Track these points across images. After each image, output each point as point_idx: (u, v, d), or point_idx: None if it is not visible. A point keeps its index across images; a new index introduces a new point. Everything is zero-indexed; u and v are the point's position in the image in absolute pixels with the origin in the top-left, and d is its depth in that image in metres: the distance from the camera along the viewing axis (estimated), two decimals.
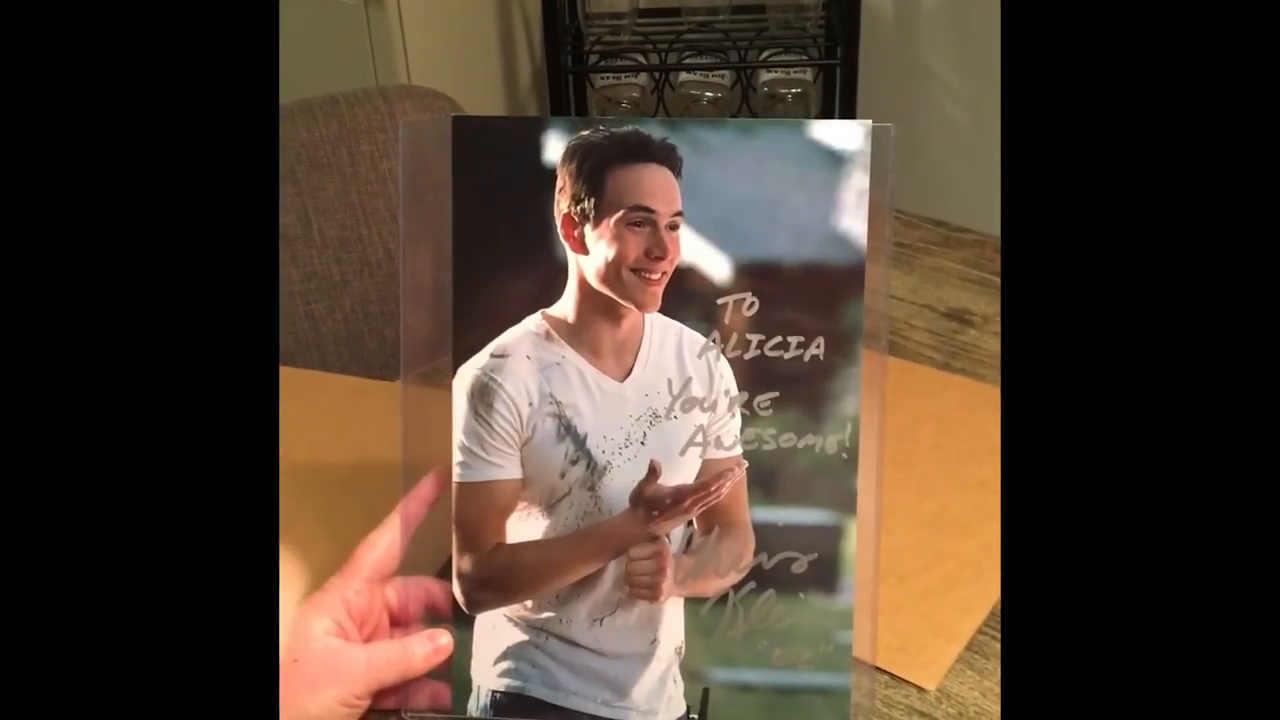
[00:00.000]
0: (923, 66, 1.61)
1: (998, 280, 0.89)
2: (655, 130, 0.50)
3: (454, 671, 0.51)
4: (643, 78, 1.57)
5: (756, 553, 0.51)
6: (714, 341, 0.50)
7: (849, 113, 1.46)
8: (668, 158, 0.49)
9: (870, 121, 0.50)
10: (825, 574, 0.51)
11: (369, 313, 1.00)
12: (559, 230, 0.50)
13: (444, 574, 0.52)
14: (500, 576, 0.50)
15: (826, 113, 1.54)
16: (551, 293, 0.50)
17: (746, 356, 0.50)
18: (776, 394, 0.50)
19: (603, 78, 1.57)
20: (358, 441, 0.73)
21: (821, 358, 0.50)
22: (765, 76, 1.52)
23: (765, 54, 1.48)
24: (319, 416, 0.76)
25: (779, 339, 0.50)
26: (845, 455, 0.50)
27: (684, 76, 1.55)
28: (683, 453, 0.50)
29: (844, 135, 0.50)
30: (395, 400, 0.52)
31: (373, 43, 1.52)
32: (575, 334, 0.50)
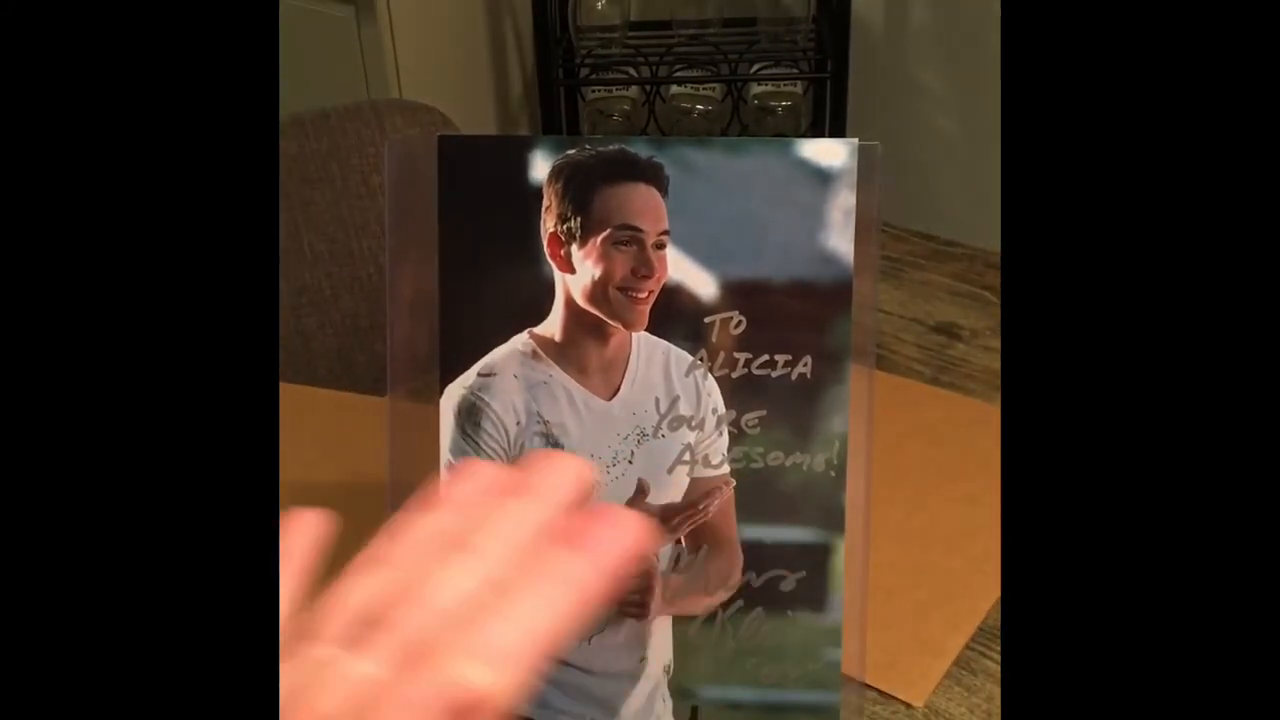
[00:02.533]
0: (912, 80, 1.62)
1: (987, 294, 0.90)
2: (642, 149, 0.50)
3: None
4: (634, 90, 1.57)
5: (745, 571, 0.51)
6: (701, 360, 0.50)
7: (839, 125, 1.46)
8: (654, 177, 0.50)
9: (857, 140, 0.50)
10: (814, 592, 0.51)
11: (359, 327, 1.00)
12: (545, 249, 0.50)
13: None
14: None
15: (816, 125, 1.55)
16: (538, 312, 0.51)
17: (734, 375, 0.50)
18: (764, 412, 0.50)
19: (594, 90, 1.57)
20: (349, 458, 0.73)
21: (809, 375, 0.50)
22: (756, 89, 1.53)
23: (756, 67, 1.48)
24: (310, 433, 0.76)
25: (766, 357, 0.50)
26: (833, 473, 0.51)
27: (675, 89, 1.56)
28: (670, 471, 0.50)
29: (831, 153, 0.50)
30: (385, 416, 0.52)
31: (364, 55, 1.52)
32: (562, 353, 0.50)
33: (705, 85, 1.54)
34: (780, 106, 1.52)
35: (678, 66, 1.48)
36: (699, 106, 1.56)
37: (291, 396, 0.81)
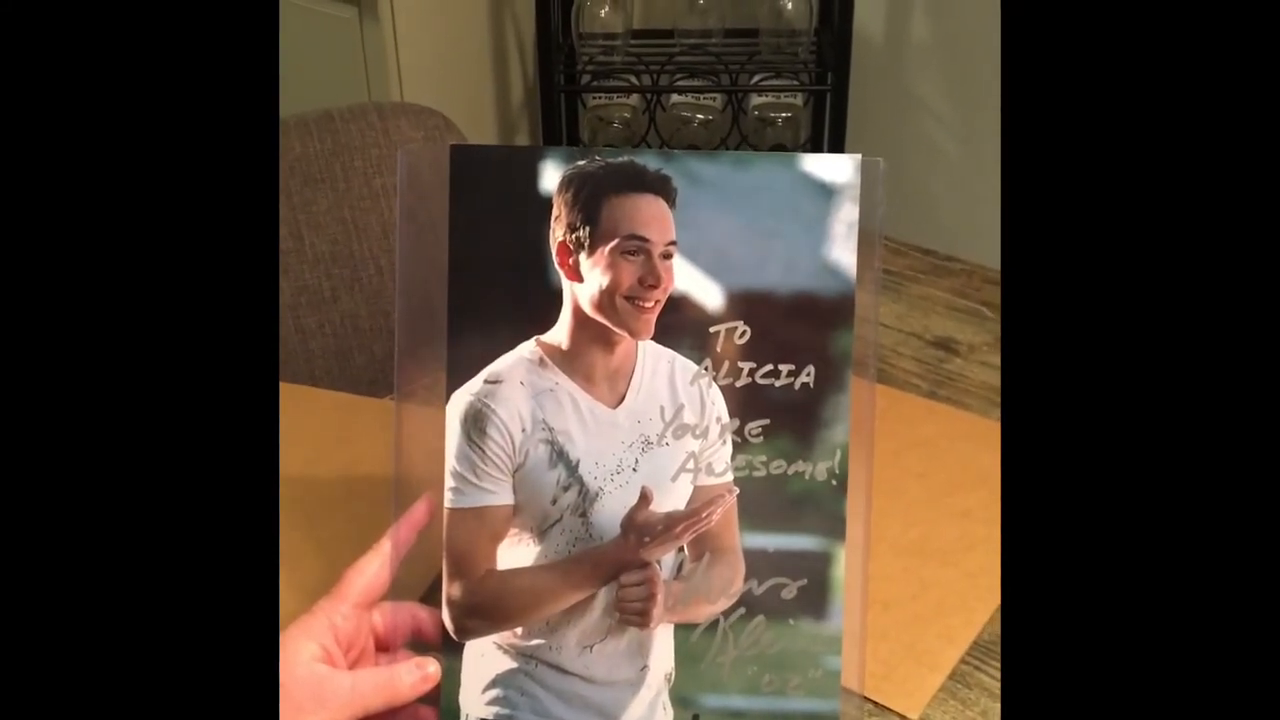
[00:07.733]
0: (912, 94, 1.63)
1: (984, 310, 0.90)
2: (651, 161, 0.50)
3: (442, 699, 0.51)
4: (635, 98, 1.58)
5: (746, 579, 0.51)
6: (706, 369, 0.51)
7: (838, 138, 1.47)
8: (662, 188, 0.50)
9: (860, 155, 0.51)
10: (814, 600, 0.51)
11: (359, 328, 1.00)
12: (554, 258, 0.50)
13: (429, 598, 0.52)
14: (490, 603, 0.50)
15: (816, 137, 1.55)
16: (546, 320, 0.51)
17: (738, 384, 0.51)
18: (767, 421, 0.51)
19: (595, 97, 1.58)
20: (347, 458, 0.73)
21: (812, 386, 0.51)
22: (756, 100, 1.54)
23: (756, 78, 1.49)
24: (309, 432, 0.76)
25: (770, 367, 0.51)
26: (835, 482, 0.51)
27: (675, 98, 1.56)
28: (674, 479, 0.51)
29: (835, 168, 0.51)
30: (384, 417, 0.53)
31: (366, 56, 1.53)
32: (569, 361, 0.51)
33: (706, 95, 1.55)
34: (780, 118, 1.53)
35: (679, 75, 1.49)
36: (699, 116, 1.56)
37: (292, 396, 0.81)
